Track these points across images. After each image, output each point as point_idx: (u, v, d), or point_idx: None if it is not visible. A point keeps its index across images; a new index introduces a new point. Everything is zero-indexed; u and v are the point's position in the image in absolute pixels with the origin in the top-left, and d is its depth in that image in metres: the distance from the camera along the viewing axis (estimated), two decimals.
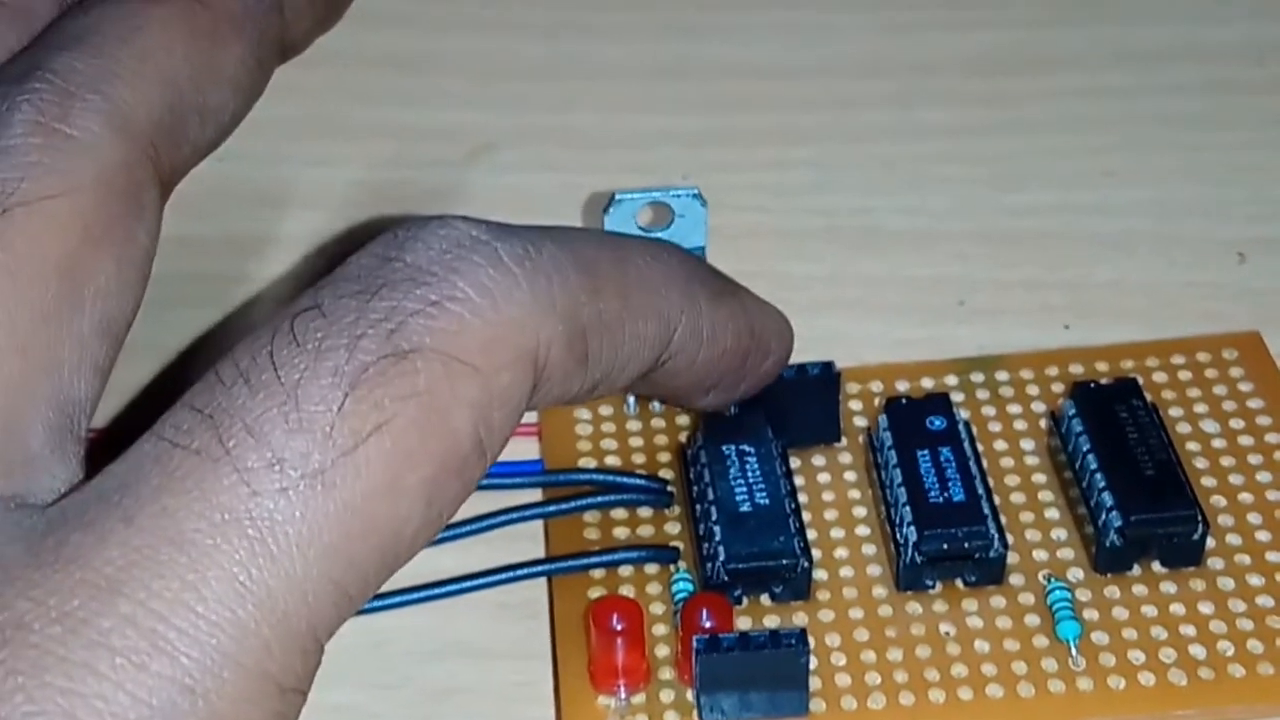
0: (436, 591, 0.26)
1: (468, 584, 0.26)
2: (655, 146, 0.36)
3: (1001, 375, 0.29)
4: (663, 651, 0.25)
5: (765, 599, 0.26)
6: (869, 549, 0.26)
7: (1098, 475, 0.26)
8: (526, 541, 0.27)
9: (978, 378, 0.29)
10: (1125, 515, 0.25)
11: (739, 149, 0.36)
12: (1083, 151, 0.36)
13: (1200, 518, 0.25)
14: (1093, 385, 0.27)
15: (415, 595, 0.26)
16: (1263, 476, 0.27)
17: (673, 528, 0.27)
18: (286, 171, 0.36)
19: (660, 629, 0.25)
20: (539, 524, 0.27)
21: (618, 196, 0.27)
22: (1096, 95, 0.38)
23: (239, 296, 0.33)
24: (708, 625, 0.24)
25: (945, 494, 0.26)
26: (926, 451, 0.26)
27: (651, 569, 0.26)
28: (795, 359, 0.28)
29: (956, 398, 0.29)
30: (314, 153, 0.37)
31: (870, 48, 0.39)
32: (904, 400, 0.27)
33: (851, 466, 0.28)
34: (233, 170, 0.36)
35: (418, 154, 0.37)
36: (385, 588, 0.25)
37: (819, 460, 0.28)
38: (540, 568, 0.26)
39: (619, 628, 0.24)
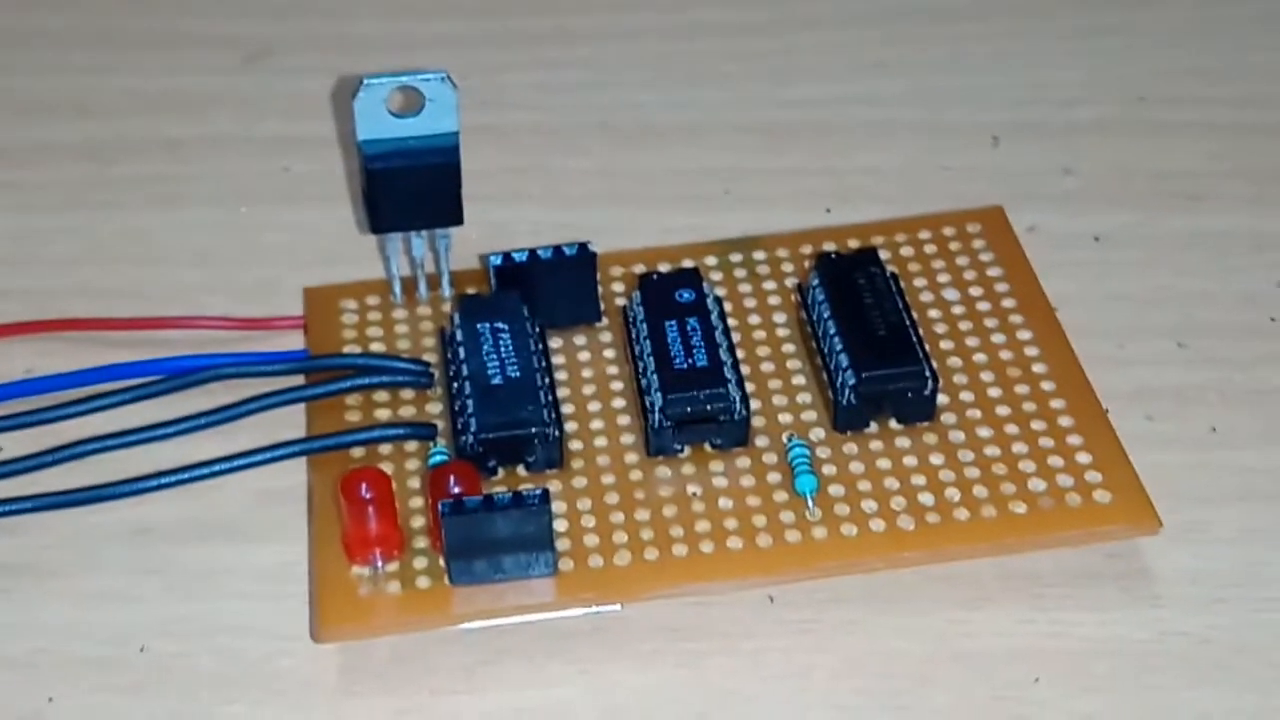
0: (194, 474, 0.26)
1: (226, 465, 0.26)
2: (434, 50, 0.36)
3: (759, 255, 0.30)
4: (419, 523, 0.25)
5: (521, 470, 0.26)
6: (624, 419, 0.27)
7: (836, 339, 0.26)
8: (291, 428, 0.27)
9: (736, 258, 0.30)
10: (858, 373, 0.26)
11: (515, 50, 0.37)
12: (852, 46, 0.37)
13: (929, 373, 0.26)
14: (834, 255, 0.28)
15: (173, 479, 0.26)
16: (997, 338, 0.28)
17: (435, 408, 0.27)
18: (60, 81, 0.36)
19: (417, 502, 0.26)
20: (302, 411, 0.27)
21: (366, 81, 0.27)
22: None
23: (10, 203, 0.33)
24: (455, 491, 0.24)
25: (690, 360, 0.26)
26: (674, 322, 0.27)
27: (411, 447, 0.26)
28: (561, 241, 0.28)
29: (716, 277, 0.29)
30: (89, 61, 0.36)
31: None
32: (655, 275, 0.28)
33: (611, 344, 0.28)
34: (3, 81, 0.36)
35: (194, 61, 0.36)
36: (143, 471, 0.26)
37: (580, 339, 0.28)
38: (298, 447, 0.26)
39: (368, 496, 0.24)
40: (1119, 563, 0.25)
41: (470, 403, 0.26)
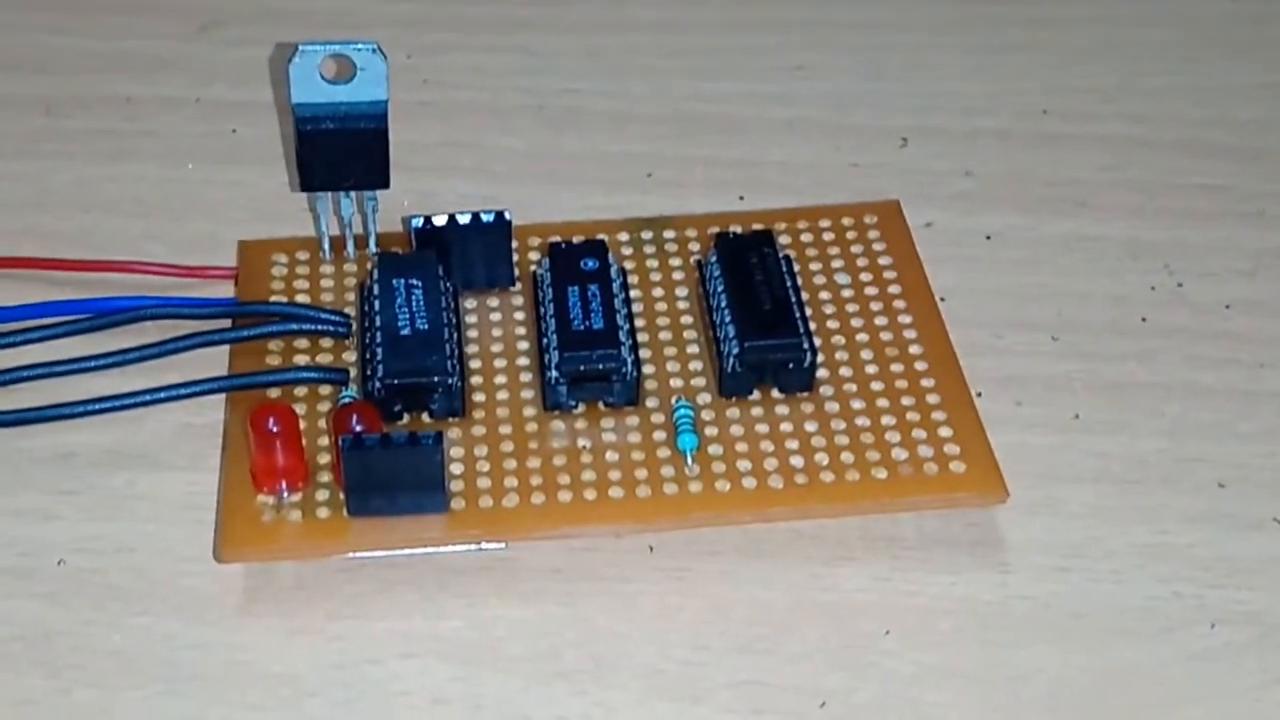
0: (120, 404, 0.27)
1: (150, 397, 0.27)
2: (379, 28, 0.37)
3: (668, 234, 0.31)
4: (325, 460, 0.26)
5: (425, 417, 0.27)
6: (526, 376, 0.28)
7: (726, 311, 0.28)
8: (215, 369, 0.28)
9: (646, 235, 0.31)
10: (741, 342, 0.27)
11: (458, 34, 0.38)
12: (775, 49, 0.38)
13: (808, 346, 0.27)
14: (732, 235, 0.29)
15: (99, 407, 0.27)
16: (880, 321, 0.29)
17: (351, 357, 0.28)
18: (21, 38, 0.37)
19: (325, 440, 0.27)
20: (226, 354, 0.28)
21: (301, 47, 0.28)
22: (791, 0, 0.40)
23: None
24: (357, 429, 0.25)
25: (587, 323, 0.27)
26: (576, 287, 0.28)
27: (325, 390, 0.27)
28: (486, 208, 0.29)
29: (627, 251, 0.30)
30: (50, 22, 0.37)
31: None
32: (563, 244, 0.29)
33: (522, 308, 0.29)
34: None
35: (152, 27, 0.37)
36: (70, 398, 0.27)
37: (494, 302, 0.29)
38: (218, 383, 0.27)
39: (274, 430, 0.25)
40: (975, 531, 0.26)
41: (379, 350, 0.27)
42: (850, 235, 0.31)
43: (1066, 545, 0.26)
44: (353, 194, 0.30)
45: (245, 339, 0.28)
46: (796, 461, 0.26)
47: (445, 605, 0.25)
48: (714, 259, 0.29)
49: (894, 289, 0.30)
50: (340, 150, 0.29)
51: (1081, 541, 0.26)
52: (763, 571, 0.26)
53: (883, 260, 0.30)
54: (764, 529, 0.26)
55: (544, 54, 0.37)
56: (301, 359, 0.28)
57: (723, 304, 0.28)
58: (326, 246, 0.30)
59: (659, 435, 0.27)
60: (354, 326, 0.28)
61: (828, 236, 0.31)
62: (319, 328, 0.28)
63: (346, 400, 0.27)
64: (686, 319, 0.29)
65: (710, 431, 0.27)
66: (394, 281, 0.28)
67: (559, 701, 0.24)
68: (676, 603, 0.25)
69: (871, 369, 0.28)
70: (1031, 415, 0.29)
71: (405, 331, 0.27)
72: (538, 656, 0.24)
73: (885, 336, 0.29)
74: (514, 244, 0.30)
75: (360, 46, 0.28)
